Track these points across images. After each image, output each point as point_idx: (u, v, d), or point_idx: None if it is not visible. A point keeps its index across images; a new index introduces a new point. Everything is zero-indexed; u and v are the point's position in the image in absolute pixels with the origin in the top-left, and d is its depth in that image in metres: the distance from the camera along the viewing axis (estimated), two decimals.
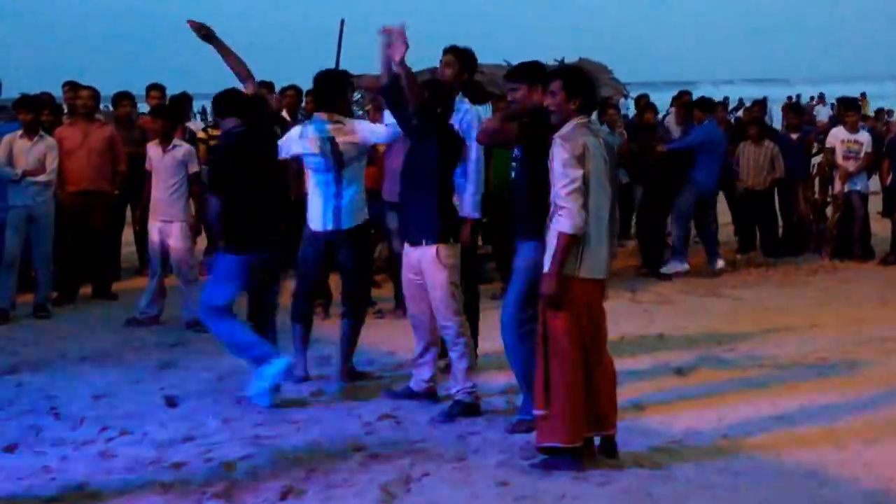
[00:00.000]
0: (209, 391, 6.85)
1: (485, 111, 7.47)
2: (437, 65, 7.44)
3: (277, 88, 11.63)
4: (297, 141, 6.87)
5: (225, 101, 6.72)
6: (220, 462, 5.52)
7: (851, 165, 12.02)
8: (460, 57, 7.12)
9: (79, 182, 9.74)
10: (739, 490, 5.12)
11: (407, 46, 6.27)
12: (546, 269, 5.27)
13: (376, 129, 7.02)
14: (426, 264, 6.28)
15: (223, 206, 6.59)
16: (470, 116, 6.88)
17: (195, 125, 13.07)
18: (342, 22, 10.73)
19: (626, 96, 16.88)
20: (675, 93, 15.12)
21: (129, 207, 10.84)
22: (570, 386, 5.24)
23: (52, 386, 7.05)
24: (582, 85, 5.43)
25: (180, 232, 8.82)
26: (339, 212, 6.80)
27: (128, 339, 8.42)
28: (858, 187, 12.08)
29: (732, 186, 12.25)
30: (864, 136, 12.31)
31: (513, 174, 6.00)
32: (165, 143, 8.96)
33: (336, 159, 6.75)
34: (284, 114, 10.52)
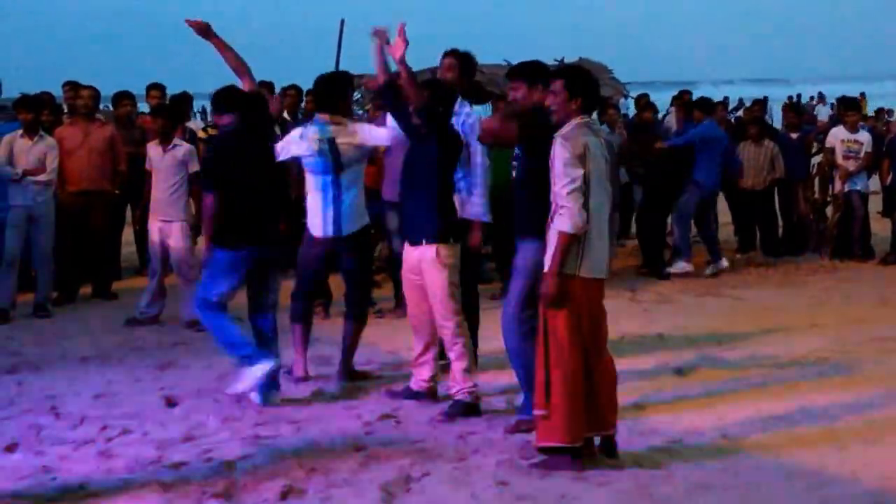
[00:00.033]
0: (209, 391, 6.84)
1: (485, 111, 7.48)
2: (437, 64, 7.45)
3: (277, 88, 11.63)
4: (297, 142, 6.87)
5: (223, 98, 6.72)
6: (220, 462, 5.52)
7: (851, 165, 12.02)
8: (461, 60, 7.14)
9: (79, 182, 9.74)
10: (739, 490, 5.12)
11: (407, 44, 6.28)
12: (546, 268, 5.28)
13: (377, 132, 7.00)
14: (426, 264, 6.28)
15: (216, 202, 6.59)
16: (472, 120, 6.88)
17: (195, 125, 13.08)
18: (342, 22, 10.74)
19: (626, 96, 16.88)
20: (674, 92, 15.14)
21: (129, 207, 10.83)
22: (570, 386, 5.24)
23: (53, 385, 7.05)
24: (584, 85, 5.43)
25: (180, 232, 8.82)
26: (339, 218, 6.79)
27: (128, 339, 8.43)
28: (858, 187, 12.08)
29: (734, 184, 12.22)
30: (864, 136, 12.31)
31: (513, 174, 6.00)
32: (166, 142, 8.96)
33: (335, 161, 6.74)
34: (285, 114, 10.53)
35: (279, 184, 6.89)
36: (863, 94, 30.68)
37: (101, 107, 11.63)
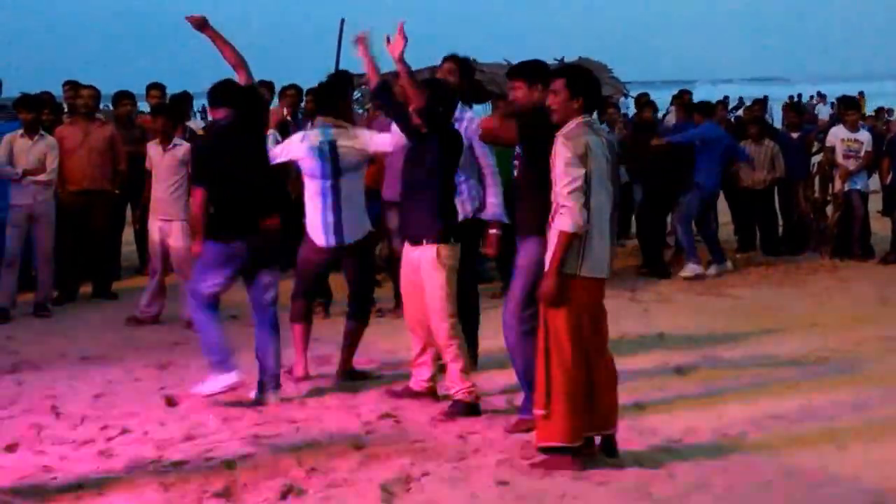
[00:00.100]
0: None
1: (484, 111, 7.52)
2: (437, 64, 7.48)
3: (277, 88, 11.64)
4: (297, 145, 6.87)
5: (219, 92, 6.71)
6: (220, 461, 5.52)
7: (851, 164, 12.02)
8: (460, 65, 7.18)
9: (79, 181, 9.75)
10: (739, 490, 5.12)
11: (406, 42, 6.28)
12: (546, 267, 5.28)
13: (380, 138, 6.93)
14: (425, 264, 6.27)
15: (207, 196, 6.60)
16: (475, 125, 6.89)
17: (195, 124, 13.06)
18: (342, 22, 10.75)
19: (625, 95, 16.89)
20: (674, 92, 15.13)
21: (129, 207, 10.83)
22: (570, 385, 5.24)
23: (53, 385, 7.05)
24: (585, 84, 5.42)
25: (180, 231, 8.81)
26: (340, 227, 6.78)
27: (128, 339, 8.43)
28: (858, 186, 12.08)
29: (734, 183, 12.21)
30: (864, 135, 12.31)
31: (514, 173, 6.00)
32: (166, 142, 8.96)
33: (334, 164, 6.74)
34: (285, 112, 10.53)
35: (273, 178, 6.86)
36: (861, 94, 30.71)
37: (101, 106, 11.62)
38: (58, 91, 12.07)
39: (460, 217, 6.61)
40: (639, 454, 5.56)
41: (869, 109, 25.41)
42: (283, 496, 5.05)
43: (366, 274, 7.17)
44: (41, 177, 9.25)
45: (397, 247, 7.88)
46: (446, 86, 6.66)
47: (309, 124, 7.40)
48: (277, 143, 7.01)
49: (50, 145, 9.38)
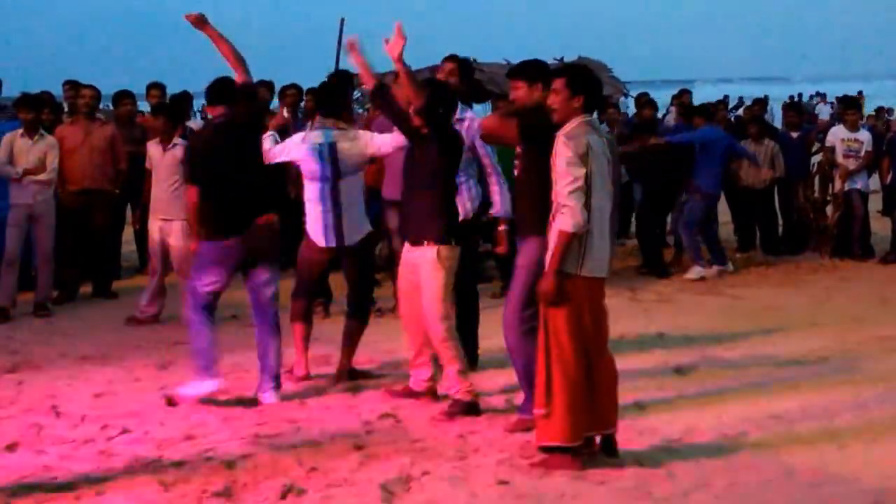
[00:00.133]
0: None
1: (484, 110, 7.54)
2: (437, 64, 7.49)
3: (277, 88, 11.64)
4: (297, 145, 6.87)
5: (215, 90, 6.70)
6: (220, 461, 5.52)
7: (851, 164, 12.03)
8: (461, 65, 7.19)
9: (80, 181, 9.75)
10: (739, 489, 5.12)
11: (404, 41, 6.27)
12: (546, 267, 5.28)
13: (380, 139, 6.89)
14: (425, 264, 6.27)
15: (200, 194, 6.60)
16: (476, 125, 6.90)
17: (195, 124, 13.06)
18: (342, 21, 10.75)
19: (625, 95, 16.91)
20: (674, 91, 15.14)
21: (129, 206, 10.83)
22: (571, 385, 5.24)
23: (53, 384, 7.05)
24: (586, 83, 5.42)
25: (181, 230, 8.80)
26: (340, 229, 6.78)
27: (128, 338, 8.43)
28: (858, 186, 12.09)
29: (734, 183, 12.20)
30: (864, 135, 12.32)
31: (515, 172, 6.00)
32: (166, 141, 8.97)
33: (333, 166, 6.74)
34: (286, 114, 10.53)
35: (268, 177, 6.86)
36: (860, 93, 30.71)
37: (102, 106, 11.63)
38: (58, 91, 12.07)
39: (460, 217, 6.60)
40: (639, 454, 5.56)
41: (868, 109, 25.42)
42: (283, 496, 5.05)
43: (366, 274, 7.17)
44: (41, 176, 9.26)
45: (397, 247, 7.88)
46: (446, 86, 6.66)
47: (309, 124, 7.39)
48: (277, 143, 7.00)
49: (50, 145, 9.38)
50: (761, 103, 18.13)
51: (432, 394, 6.57)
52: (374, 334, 7.61)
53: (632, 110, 15.97)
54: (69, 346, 8.17)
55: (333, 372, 7.08)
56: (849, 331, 8.42)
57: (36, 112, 9.40)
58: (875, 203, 13.02)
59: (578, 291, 5.27)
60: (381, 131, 7.17)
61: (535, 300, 5.52)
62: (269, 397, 6.53)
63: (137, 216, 10.18)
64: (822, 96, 36.69)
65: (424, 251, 6.27)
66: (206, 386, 6.48)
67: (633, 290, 10.28)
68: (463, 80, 7.19)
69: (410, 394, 6.60)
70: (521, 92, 5.98)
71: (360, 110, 12.54)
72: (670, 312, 9.33)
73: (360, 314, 7.03)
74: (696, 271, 10.94)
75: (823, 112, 29.72)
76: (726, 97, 30.27)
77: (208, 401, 6.49)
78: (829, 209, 12.33)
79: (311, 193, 6.84)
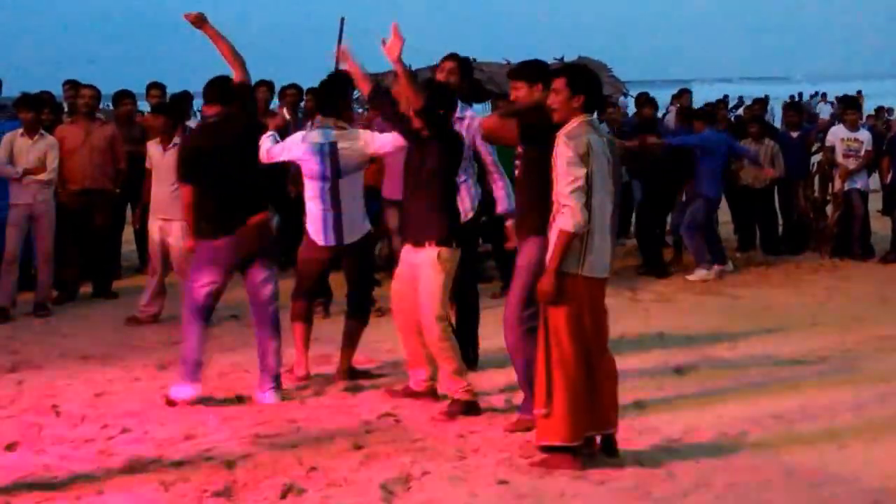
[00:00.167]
0: (209, 389, 6.84)
1: (484, 110, 7.54)
2: (437, 64, 7.48)
3: (277, 88, 11.64)
4: (297, 145, 6.87)
5: (213, 89, 6.70)
6: (220, 461, 5.52)
7: (851, 164, 12.03)
8: (461, 65, 7.19)
9: (80, 181, 9.74)
10: (739, 489, 5.12)
11: (402, 42, 6.27)
12: (546, 266, 5.28)
13: (381, 138, 6.88)
14: (425, 264, 6.26)
15: (194, 193, 6.60)
16: (476, 124, 6.89)
17: (195, 123, 13.07)
18: (342, 20, 10.75)
19: (625, 94, 16.91)
20: (674, 91, 15.13)
21: (129, 206, 10.83)
22: (571, 385, 5.24)
23: (53, 384, 7.05)
24: (586, 83, 5.42)
25: (181, 230, 8.79)
26: (339, 227, 6.78)
27: (128, 338, 8.43)
28: (858, 185, 12.09)
29: (734, 183, 12.19)
30: (864, 135, 12.32)
31: (515, 172, 6.00)
32: (166, 141, 8.96)
33: (333, 165, 6.74)
34: (286, 114, 10.53)
35: (263, 175, 6.86)
36: (860, 93, 30.72)
37: (102, 106, 11.63)
38: (58, 91, 12.07)
39: (460, 217, 6.60)
40: (639, 454, 5.56)
41: (868, 109, 25.43)
42: (283, 496, 5.05)
43: (365, 273, 7.17)
44: (41, 176, 9.25)
45: (397, 247, 7.89)
46: (446, 87, 6.66)
47: (309, 124, 7.40)
48: (276, 143, 7.01)
49: (50, 145, 9.37)
50: (761, 103, 18.14)
51: (432, 393, 6.57)
52: (374, 334, 7.61)
53: (632, 110, 15.96)
54: (69, 346, 8.17)
55: (333, 372, 7.08)
56: (849, 331, 8.42)
57: (36, 112, 9.39)
58: (875, 203, 13.02)
59: (579, 291, 5.27)
60: (382, 131, 7.16)
61: (535, 300, 5.52)
62: (269, 397, 6.54)
63: (137, 216, 10.18)
64: (823, 96, 36.70)
65: (425, 252, 6.27)
66: (184, 391, 6.50)
67: (633, 290, 10.27)
68: (463, 78, 7.19)
69: (410, 393, 6.60)
70: (521, 92, 5.98)
71: (360, 110, 12.53)
72: (670, 312, 9.33)
73: (360, 314, 7.03)
74: (699, 274, 10.91)
75: (824, 111, 29.71)
76: (726, 97, 30.29)
77: (207, 400, 6.50)
78: (829, 209, 12.34)
79: (312, 192, 6.84)
